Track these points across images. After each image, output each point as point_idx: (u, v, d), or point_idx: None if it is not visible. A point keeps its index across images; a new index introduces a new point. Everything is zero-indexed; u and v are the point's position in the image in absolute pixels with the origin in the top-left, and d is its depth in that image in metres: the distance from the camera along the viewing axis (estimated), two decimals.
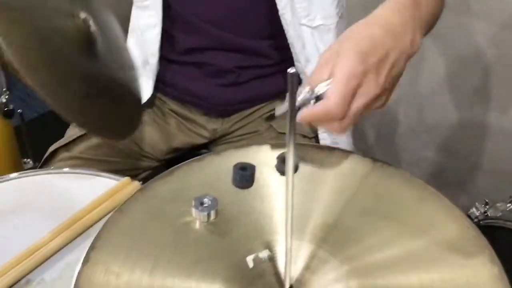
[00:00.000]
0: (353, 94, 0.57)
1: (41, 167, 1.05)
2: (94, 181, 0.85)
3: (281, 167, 0.58)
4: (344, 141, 1.07)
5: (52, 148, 1.04)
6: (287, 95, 0.43)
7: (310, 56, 1.00)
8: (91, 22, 0.73)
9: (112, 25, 0.85)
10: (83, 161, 1.01)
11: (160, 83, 1.09)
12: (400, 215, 0.55)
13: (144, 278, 0.50)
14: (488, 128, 1.44)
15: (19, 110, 1.12)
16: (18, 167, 1.17)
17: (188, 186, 0.59)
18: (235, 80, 1.05)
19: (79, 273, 0.50)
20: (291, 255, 0.49)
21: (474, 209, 1.14)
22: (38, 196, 0.82)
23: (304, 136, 1.06)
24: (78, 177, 0.86)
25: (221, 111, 1.09)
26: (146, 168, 1.11)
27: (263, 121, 1.08)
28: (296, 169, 0.48)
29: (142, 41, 1.06)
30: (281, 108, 0.57)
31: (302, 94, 0.57)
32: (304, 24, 0.97)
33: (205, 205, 0.55)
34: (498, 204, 1.14)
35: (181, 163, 0.62)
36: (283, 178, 0.58)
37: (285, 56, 1.02)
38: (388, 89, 0.61)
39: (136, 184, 0.81)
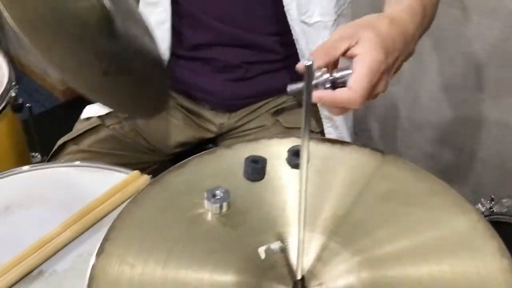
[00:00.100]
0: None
1: (49, 160, 1.05)
2: (104, 174, 0.86)
3: (292, 160, 0.59)
4: (347, 136, 1.08)
5: (60, 141, 1.05)
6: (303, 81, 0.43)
7: None
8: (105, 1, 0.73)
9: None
10: (91, 154, 1.02)
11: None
12: (410, 208, 0.56)
13: (158, 269, 0.50)
14: (494, 124, 1.44)
15: (27, 104, 1.12)
16: (26, 161, 1.18)
17: (201, 179, 0.60)
18: (242, 75, 1.06)
19: (93, 264, 0.50)
20: (303, 246, 0.50)
21: (479, 205, 1.14)
22: (50, 188, 0.82)
23: (311, 131, 1.06)
24: (89, 170, 0.87)
25: (229, 105, 1.09)
26: (153, 163, 1.11)
27: (270, 116, 1.09)
28: (307, 161, 0.49)
29: None
30: (293, 86, 0.58)
31: (321, 76, 0.58)
32: (303, 21, 0.98)
33: (217, 197, 0.56)
34: (504, 200, 1.15)
35: (193, 156, 0.62)
36: (294, 171, 0.58)
37: (291, 51, 1.02)
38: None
39: (146, 178, 0.82)
